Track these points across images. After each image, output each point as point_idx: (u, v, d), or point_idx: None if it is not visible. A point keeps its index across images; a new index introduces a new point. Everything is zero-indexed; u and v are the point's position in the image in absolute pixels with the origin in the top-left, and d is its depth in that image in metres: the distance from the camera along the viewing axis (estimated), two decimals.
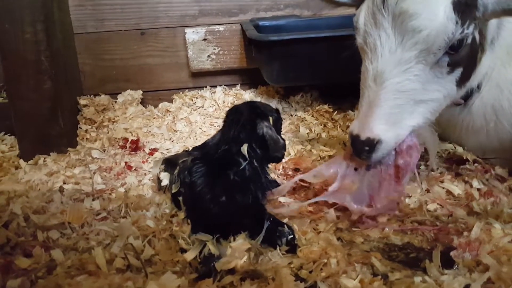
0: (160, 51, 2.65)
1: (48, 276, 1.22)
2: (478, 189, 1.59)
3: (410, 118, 1.38)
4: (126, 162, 1.97)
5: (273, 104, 2.51)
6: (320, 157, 1.94)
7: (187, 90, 2.70)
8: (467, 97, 1.63)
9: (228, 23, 2.62)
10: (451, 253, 1.24)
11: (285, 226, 1.33)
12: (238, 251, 1.21)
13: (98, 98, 2.46)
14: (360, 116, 1.39)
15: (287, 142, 1.67)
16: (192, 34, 2.59)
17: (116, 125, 2.33)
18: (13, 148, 2.23)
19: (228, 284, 1.16)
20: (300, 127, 2.24)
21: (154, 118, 2.45)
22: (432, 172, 1.72)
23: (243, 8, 2.64)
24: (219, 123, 2.10)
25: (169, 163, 1.64)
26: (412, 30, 1.28)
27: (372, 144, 1.34)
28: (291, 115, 2.47)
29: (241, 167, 1.42)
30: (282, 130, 1.76)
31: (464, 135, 1.76)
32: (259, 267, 1.21)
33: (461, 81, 1.44)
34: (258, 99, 2.57)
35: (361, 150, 1.37)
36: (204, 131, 2.29)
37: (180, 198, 1.48)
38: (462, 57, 1.37)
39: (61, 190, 1.73)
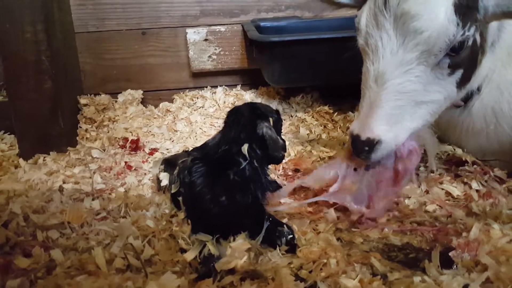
0: (161, 51, 2.65)
1: (48, 276, 1.22)
2: (477, 191, 1.60)
3: (411, 119, 1.39)
4: (126, 162, 1.97)
5: (274, 104, 2.52)
6: (320, 158, 1.94)
7: (187, 90, 2.70)
8: (467, 99, 1.64)
9: (229, 24, 2.63)
10: (450, 254, 1.24)
11: (285, 226, 1.33)
12: (238, 251, 1.20)
13: (99, 98, 2.46)
14: (361, 116, 1.40)
15: (287, 143, 1.67)
16: (193, 34, 2.60)
17: (116, 124, 2.32)
18: (12, 147, 2.23)
19: (228, 284, 1.15)
20: (300, 128, 2.24)
21: (155, 118, 2.45)
22: (432, 174, 1.72)
23: (244, 8, 2.65)
24: (219, 124, 2.11)
25: (169, 163, 1.64)
26: (414, 31, 1.29)
27: (372, 144, 1.34)
28: (292, 116, 2.47)
29: (241, 167, 1.42)
30: (282, 131, 1.76)
31: (464, 137, 1.76)
32: (259, 267, 1.21)
33: (462, 83, 1.45)
34: (259, 100, 2.57)
35: (361, 150, 1.37)
36: (205, 131, 2.29)
37: (180, 198, 1.47)
38: (462, 59, 1.38)
39: (60, 189, 1.73)
